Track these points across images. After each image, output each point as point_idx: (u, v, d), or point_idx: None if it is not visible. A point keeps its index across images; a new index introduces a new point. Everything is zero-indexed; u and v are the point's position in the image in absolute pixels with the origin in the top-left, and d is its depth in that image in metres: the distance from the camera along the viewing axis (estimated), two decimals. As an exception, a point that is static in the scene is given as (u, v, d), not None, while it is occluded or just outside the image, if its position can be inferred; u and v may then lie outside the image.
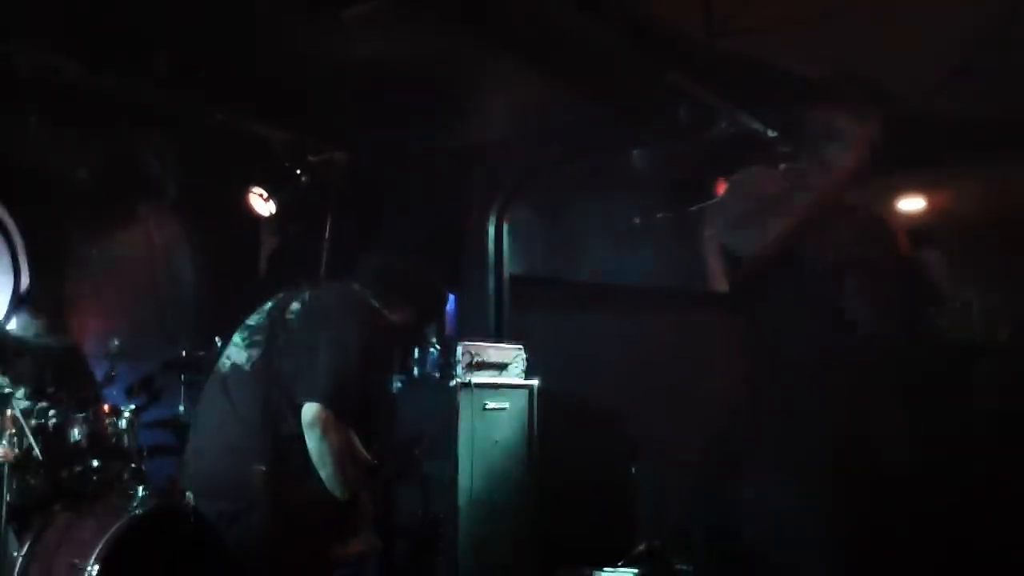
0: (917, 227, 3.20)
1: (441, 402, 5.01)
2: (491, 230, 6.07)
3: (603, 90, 4.93)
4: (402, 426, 5.06)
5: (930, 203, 5.61)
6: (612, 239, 6.28)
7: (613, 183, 6.24)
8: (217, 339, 4.38)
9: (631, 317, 5.99)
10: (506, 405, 5.23)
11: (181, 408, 4.64)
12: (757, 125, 5.18)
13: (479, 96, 5.23)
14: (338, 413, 3.08)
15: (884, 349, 3.11)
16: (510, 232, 6.18)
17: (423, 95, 5.05)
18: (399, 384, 5.35)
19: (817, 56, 4.08)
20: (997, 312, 4.94)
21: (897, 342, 3.16)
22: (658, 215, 6.22)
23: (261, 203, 5.62)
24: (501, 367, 5.31)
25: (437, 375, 5.24)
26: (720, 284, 4.00)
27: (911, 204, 5.98)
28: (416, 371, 5.38)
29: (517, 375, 5.37)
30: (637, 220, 6.23)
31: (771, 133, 5.18)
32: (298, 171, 5.64)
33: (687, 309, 5.84)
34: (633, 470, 5.64)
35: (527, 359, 5.43)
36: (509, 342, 5.53)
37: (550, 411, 5.40)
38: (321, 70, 4.77)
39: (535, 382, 5.40)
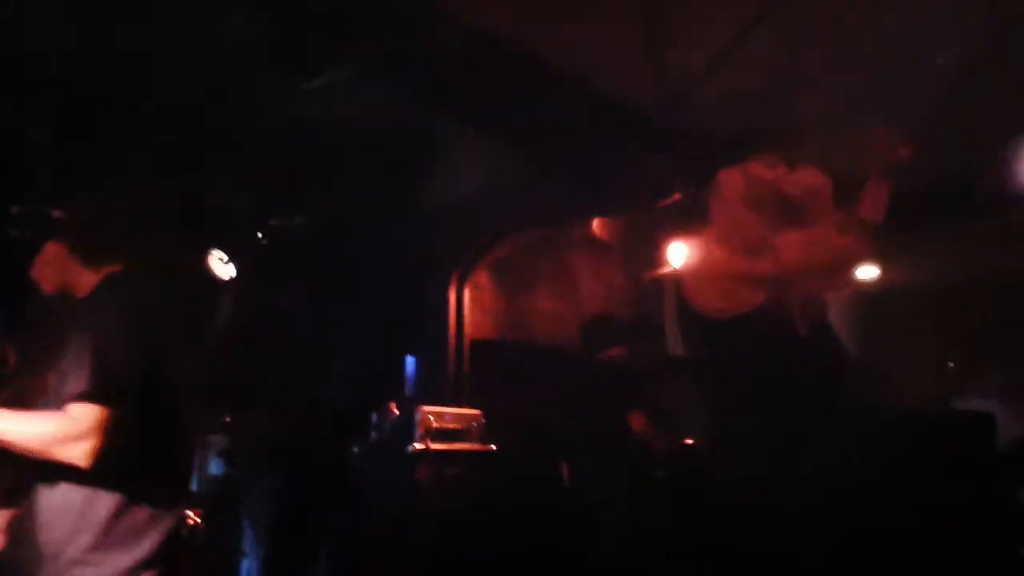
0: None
1: (400, 468, 4.98)
2: (452, 294, 6.08)
3: (562, 160, 5.01)
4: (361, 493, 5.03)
5: (887, 269, 5.69)
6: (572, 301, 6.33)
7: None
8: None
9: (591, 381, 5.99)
10: (464, 471, 5.19)
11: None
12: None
13: (441, 162, 5.28)
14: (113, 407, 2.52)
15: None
16: (471, 296, 6.20)
17: (385, 161, 5.10)
18: (356, 449, 5.31)
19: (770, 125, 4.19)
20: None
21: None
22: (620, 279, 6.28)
23: (221, 266, 5.58)
24: (460, 433, 5.28)
25: (396, 441, 5.20)
26: (678, 347, 4.03)
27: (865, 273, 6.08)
28: (375, 436, 5.34)
29: (476, 441, 5.35)
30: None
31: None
32: (259, 234, 5.62)
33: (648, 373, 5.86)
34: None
35: (486, 424, 5.41)
36: (468, 407, 5.51)
37: (509, 477, 5.37)
38: (284, 133, 4.81)
39: (493, 447, 5.37)
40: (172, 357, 2.73)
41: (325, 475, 5.27)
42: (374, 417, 5.35)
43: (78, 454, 2.46)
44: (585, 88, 4.36)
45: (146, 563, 2.62)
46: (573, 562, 5.34)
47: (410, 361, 5.78)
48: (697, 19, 4.14)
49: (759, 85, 4.12)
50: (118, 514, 2.61)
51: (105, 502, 2.60)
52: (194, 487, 4.45)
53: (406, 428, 5.15)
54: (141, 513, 2.64)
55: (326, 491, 5.23)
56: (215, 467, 4.75)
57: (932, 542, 3.67)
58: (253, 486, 4.96)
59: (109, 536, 2.59)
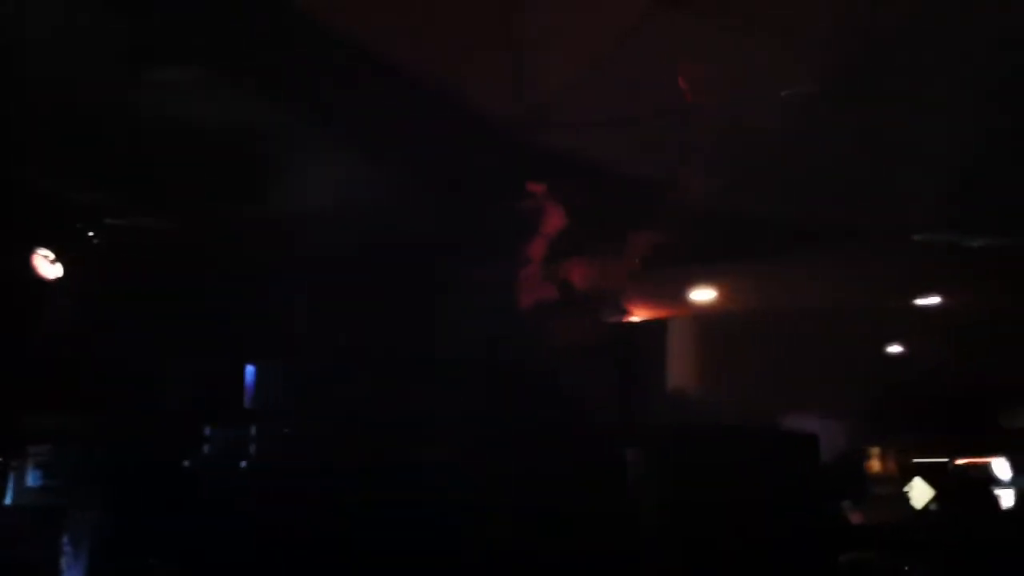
0: None
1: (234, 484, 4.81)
2: (296, 305, 5.94)
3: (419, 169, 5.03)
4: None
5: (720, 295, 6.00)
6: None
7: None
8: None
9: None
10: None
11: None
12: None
13: (287, 169, 5.18)
14: None
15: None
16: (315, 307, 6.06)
17: (231, 165, 4.96)
18: (187, 465, 5.08)
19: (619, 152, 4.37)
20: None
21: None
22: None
23: (47, 265, 5.23)
24: (304, 443, 5.15)
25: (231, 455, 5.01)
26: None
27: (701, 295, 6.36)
28: (208, 449, 5.13)
29: (321, 452, 5.22)
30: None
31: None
32: (91, 233, 5.32)
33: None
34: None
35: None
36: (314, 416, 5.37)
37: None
38: (127, 129, 4.59)
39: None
40: None
41: (154, 490, 5.01)
42: (207, 430, 5.14)
43: None
44: (445, 101, 4.39)
45: None
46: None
47: (250, 371, 5.57)
48: (556, 44, 4.25)
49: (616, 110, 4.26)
50: None
51: None
52: (9, 500, 4.15)
53: (242, 442, 4.98)
54: None
55: (154, 506, 4.98)
56: (34, 479, 4.43)
57: (757, 556, 3.88)
58: (75, 500, 4.65)
59: None
